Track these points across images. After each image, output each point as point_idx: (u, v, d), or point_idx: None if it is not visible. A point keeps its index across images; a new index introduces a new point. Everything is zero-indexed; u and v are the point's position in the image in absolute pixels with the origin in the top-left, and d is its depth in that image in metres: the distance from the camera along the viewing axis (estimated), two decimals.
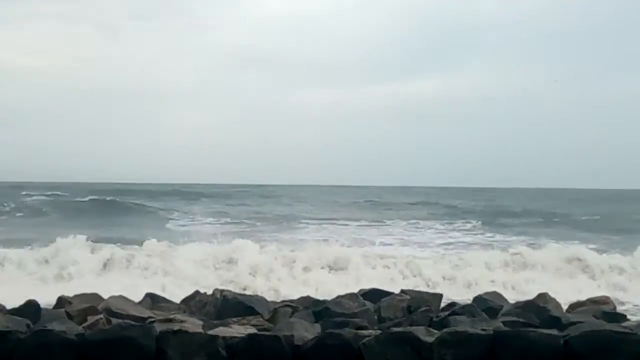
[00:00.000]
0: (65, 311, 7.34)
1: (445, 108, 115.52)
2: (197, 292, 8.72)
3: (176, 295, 9.48)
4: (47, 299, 8.18)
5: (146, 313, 7.58)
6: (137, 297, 8.70)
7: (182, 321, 6.91)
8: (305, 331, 6.95)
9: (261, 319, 7.66)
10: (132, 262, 12.74)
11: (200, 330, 6.70)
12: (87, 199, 33.95)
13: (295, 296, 9.48)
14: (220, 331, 6.77)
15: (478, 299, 8.80)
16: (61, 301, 7.89)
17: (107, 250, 13.37)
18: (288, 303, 8.53)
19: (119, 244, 14.84)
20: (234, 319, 7.50)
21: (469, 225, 26.25)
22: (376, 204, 41.11)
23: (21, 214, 28.21)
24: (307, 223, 25.70)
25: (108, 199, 34.66)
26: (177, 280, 11.92)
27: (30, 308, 7.22)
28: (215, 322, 7.42)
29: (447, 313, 7.88)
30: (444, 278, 13.09)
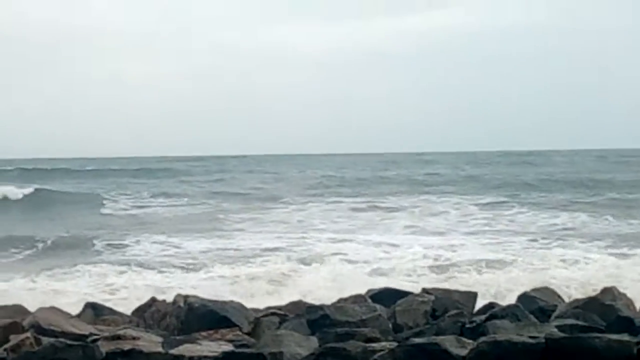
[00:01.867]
0: None
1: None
2: (153, 300, 8.71)
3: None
4: None
5: (87, 329, 7.57)
6: (74, 307, 8.66)
7: (134, 338, 6.90)
8: (298, 346, 6.96)
9: (239, 333, 7.66)
10: None
11: (160, 349, 6.70)
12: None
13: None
14: (186, 350, 6.77)
15: (524, 298, 8.80)
16: None
17: None
18: (274, 310, 8.52)
19: None
20: (203, 333, 7.48)
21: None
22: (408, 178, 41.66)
23: None
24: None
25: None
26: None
27: None
28: (178, 337, 7.41)
29: (483, 317, 7.88)
30: None
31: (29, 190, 32.90)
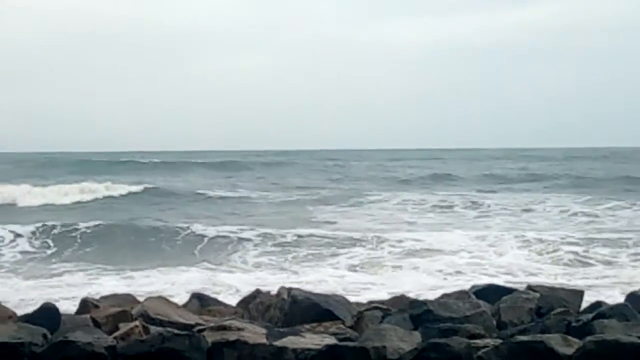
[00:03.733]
0: (91, 317, 7.47)
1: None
2: (257, 292, 8.75)
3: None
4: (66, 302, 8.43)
5: (193, 319, 7.65)
6: (181, 297, 8.80)
7: (239, 329, 6.93)
8: (401, 341, 6.88)
9: (342, 326, 7.62)
10: None
11: (264, 340, 6.71)
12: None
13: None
14: (290, 341, 6.77)
15: (633, 297, 8.53)
16: (85, 304, 8.04)
17: None
18: (377, 304, 8.46)
19: None
20: (307, 326, 7.48)
21: None
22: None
23: None
24: None
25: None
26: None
27: (47, 314, 7.37)
28: (282, 329, 7.42)
29: (590, 316, 7.65)
30: None
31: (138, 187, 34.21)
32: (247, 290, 10.97)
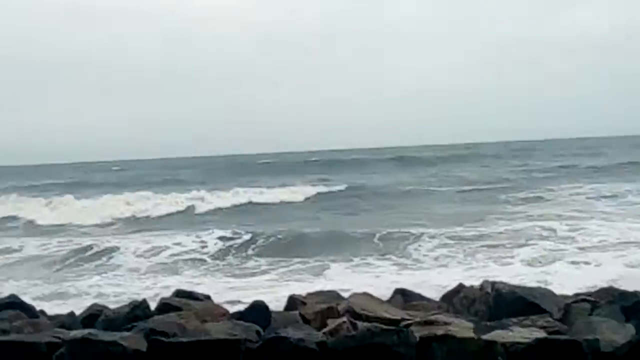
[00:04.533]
0: (300, 314, 7.63)
1: None
2: (461, 286, 8.66)
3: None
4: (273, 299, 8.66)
5: (399, 314, 7.65)
6: (382, 293, 8.83)
7: (446, 323, 6.88)
8: (614, 333, 6.63)
9: (550, 319, 7.41)
10: None
11: (472, 334, 6.62)
12: None
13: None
14: (498, 335, 6.65)
15: None
16: (293, 301, 8.22)
17: None
18: (584, 296, 8.18)
19: None
20: (514, 320, 7.33)
21: None
22: None
23: None
24: None
25: None
26: None
27: (258, 311, 7.58)
28: (489, 323, 7.29)
29: None
30: None
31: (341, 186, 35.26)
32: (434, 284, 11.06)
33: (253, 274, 16.19)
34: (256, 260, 17.76)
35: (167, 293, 13.06)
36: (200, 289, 12.36)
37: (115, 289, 15.04)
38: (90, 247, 20.51)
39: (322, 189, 35.94)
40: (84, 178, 66.02)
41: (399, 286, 9.57)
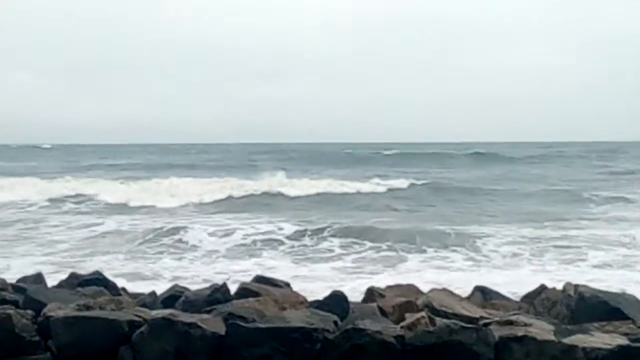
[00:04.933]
0: (378, 306, 7.58)
1: None
2: (542, 287, 8.50)
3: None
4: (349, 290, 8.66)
5: (478, 312, 7.55)
6: (461, 289, 8.74)
7: (526, 324, 6.76)
8: None
9: (633, 326, 7.21)
10: None
11: (552, 337, 6.49)
12: None
13: None
14: (579, 340, 6.51)
15: None
16: (371, 293, 8.19)
17: None
18: None
19: None
20: (595, 324, 7.16)
21: None
22: None
23: None
24: None
25: None
26: None
27: (337, 301, 7.56)
28: (569, 327, 7.14)
29: None
30: None
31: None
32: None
33: (327, 260, 16.27)
34: (331, 249, 17.80)
35: (241, 277, 13.24)
36: (275, 275, 12.50)
37: (191, 271, 15.24)
38: (170, 228, 20.81)
39: (400, 182, 35.82)
40: (167, 160, 67.14)
41: (476, 283, 9.47)
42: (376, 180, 36.90)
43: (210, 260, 16.74)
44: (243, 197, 31.26)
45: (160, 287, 10.79)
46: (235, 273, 14.63)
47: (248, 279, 12.59)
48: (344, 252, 17.34)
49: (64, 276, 9.40)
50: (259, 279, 8.50)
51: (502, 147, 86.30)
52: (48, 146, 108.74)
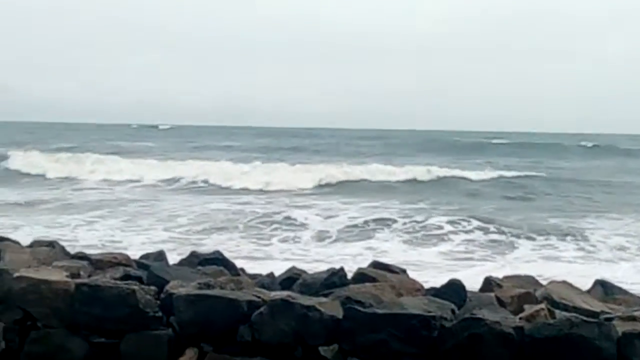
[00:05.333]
0: (496, 296, 7.46)
1: None
2: None
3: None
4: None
5: (599, 306, 7.34)
6: (581, 283, 8.54)
7: None
8: None
9: None
10: None
11: None
12: None
13: None
14: None
15: None
16: (489, 283, 8.06)
17: None
18: None
19: None
20: None
21: None
22: None
23: None
24: None
25: None
26: None
27: (454, 289, 7.47)
28: None
29: None
30: None
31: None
32: None
33: (437, 244, 16.23)
34: (441, 233, 17.76)
35: (351, 259, 13.32)
36: (386, 259, 12.55)
37: (303, 252, 15.41)
38: (281, 210, 21.07)
39: (513, 172, 35.27)
40: (279, 143, 67.76)
41: (592, 276, 9.26)
42: (488, 168, 36.46)
43: (321, 242, 16.89)
44: (352, 181, 31.38)
45: (272, 268, 10.98)
46: (346, 256, 14.74)
47: (358, 261, 12.74)
48: (454, 236, 17.27)
49: (176, 256, 9.67)
50: (376, 265, 8.48)
51: (619, 139, 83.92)
52: (166, 127, 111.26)
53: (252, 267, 11.05)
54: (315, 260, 14.25)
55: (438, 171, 34.33)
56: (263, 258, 14.67)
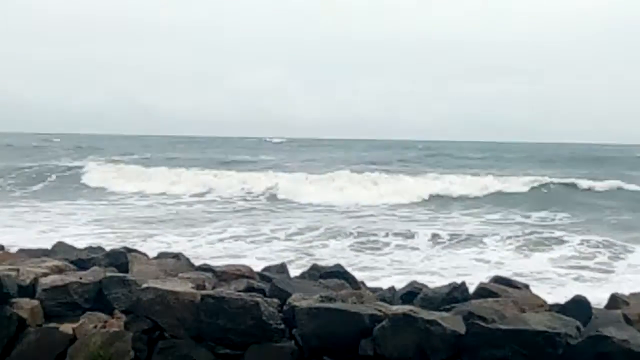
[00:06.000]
0: (623, 314, 7.22)
1: None
2: None
3: None
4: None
5: None
6: None
7: None
8: None
9: None
10: None
11: None
12: None
13: None
14: None
15: None
16: (615, 300, 7.81)
17: None
18: None
19: None
20: None
21: None
22: None
23: None
24: None
25: None
26: None
27: (579, 306, 7.27)
28: None
29: None
30: None
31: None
32: None
33: (548, 251, 15.98)
34: (560, 246, 17.46)
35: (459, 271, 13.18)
36: (502, 271, 12.38)
37: (415, 264, 15.36)
38: (400, 223, 21.03)
39: (632, 185, 34.07)
40: (399, 155, 67.36)
41: None
42: (610, 179, 35.22)
43: (432, 251, 16.83)
44: (464, 195, 31.01)
45: (386, 279, 10.91)
46: (459, 267, 14.64)
47: (471, 272, 12.64)
48: (572, 246, 16.98)
49: (295, 268, 9.74)
50: (498, 280, 8.34)
51: None
52: (278, 140, 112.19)
53: (363, 276, 11.07)
54: (431, 271, 14.23)
55: (557, 181, 33.74)
56: (376, 268, 14.72)
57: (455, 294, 7.63)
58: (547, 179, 34.27)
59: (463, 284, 7.82)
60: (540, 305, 7.53)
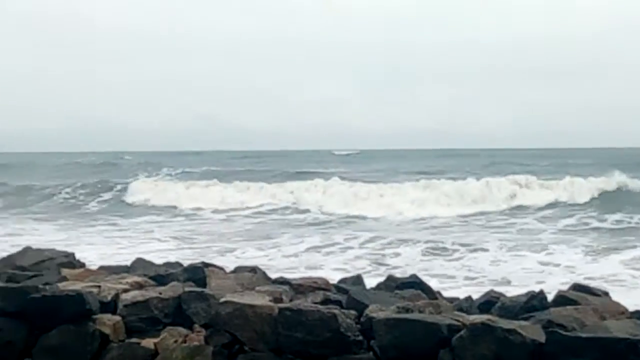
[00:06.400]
0: None
1: None
2: None
3: None
4: None
5: None
6: None
7: None
8: None
9: None
10: None
11: None
12: None
13: None
14: None
15: None
16: None
17: None
18: None
19: None
20: None
21: None
22: None
23: None
24: None
25: None
26: None
27: None
28: None
29: None
30: None
31: None
32: None
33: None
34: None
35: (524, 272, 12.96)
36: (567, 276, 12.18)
37: (483, 271, 15.26)
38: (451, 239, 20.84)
39: None
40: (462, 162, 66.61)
41: None
42: None
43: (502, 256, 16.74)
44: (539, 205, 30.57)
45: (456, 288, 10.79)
46: (529, 271, 14.52)
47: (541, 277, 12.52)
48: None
49: (371, 278, 9.71)
50: (577, 287, 8.21)
51: None
52: (345, 152, 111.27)
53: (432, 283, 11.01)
54: (492, 279, 14.16)
55: (630, 183, 33.07)
56: (445, 276, 14.69)
57: (534, 302, 7.54)
58: (622, 180, 33.56)
59: (541, 292, 7.72)
60: (621, 312, 7.39)
